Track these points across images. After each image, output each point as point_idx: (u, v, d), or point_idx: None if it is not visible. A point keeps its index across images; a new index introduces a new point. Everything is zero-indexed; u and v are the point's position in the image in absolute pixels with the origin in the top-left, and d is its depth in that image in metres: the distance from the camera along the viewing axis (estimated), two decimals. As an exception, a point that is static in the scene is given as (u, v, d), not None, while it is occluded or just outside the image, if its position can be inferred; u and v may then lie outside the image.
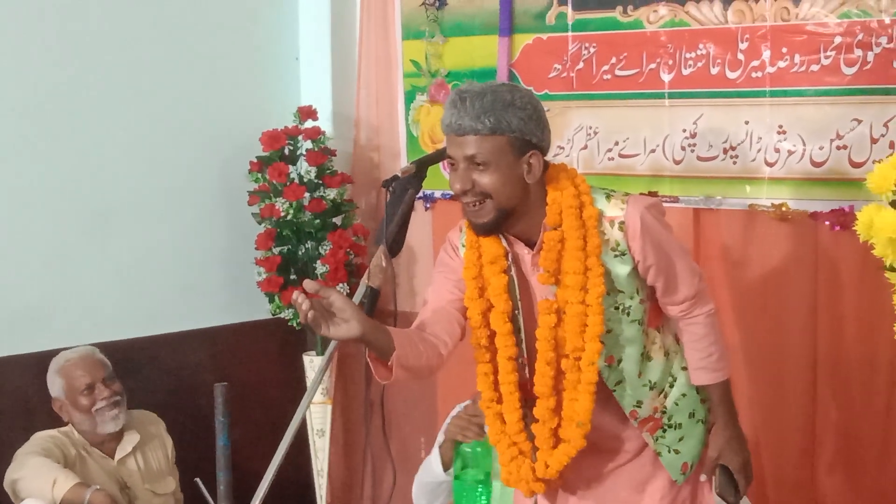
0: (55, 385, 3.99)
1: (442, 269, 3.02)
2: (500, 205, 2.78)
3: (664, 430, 3.01)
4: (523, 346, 2.94)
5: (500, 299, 2.89)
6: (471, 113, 2.73)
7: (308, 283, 2.62)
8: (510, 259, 2.90)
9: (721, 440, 3.02)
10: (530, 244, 2.89)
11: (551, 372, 2.89)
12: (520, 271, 2.92)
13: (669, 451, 3.01)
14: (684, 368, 3.04)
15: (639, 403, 2.98)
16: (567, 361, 2.88)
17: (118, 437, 4.02)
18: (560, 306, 2.87)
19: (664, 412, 3.00)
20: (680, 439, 3.02)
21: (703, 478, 3.06)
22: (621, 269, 2.88)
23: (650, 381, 2.99)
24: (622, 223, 2.85)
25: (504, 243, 2.90)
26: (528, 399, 2.96)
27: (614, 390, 2.96)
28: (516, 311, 2.93)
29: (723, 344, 3.04)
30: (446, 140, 2.82)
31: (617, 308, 2.90)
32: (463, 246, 2.97)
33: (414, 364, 2.80)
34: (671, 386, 3.02)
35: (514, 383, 2.94)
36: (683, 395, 3.03)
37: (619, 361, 2.94)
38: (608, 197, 2.89)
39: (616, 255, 2.87)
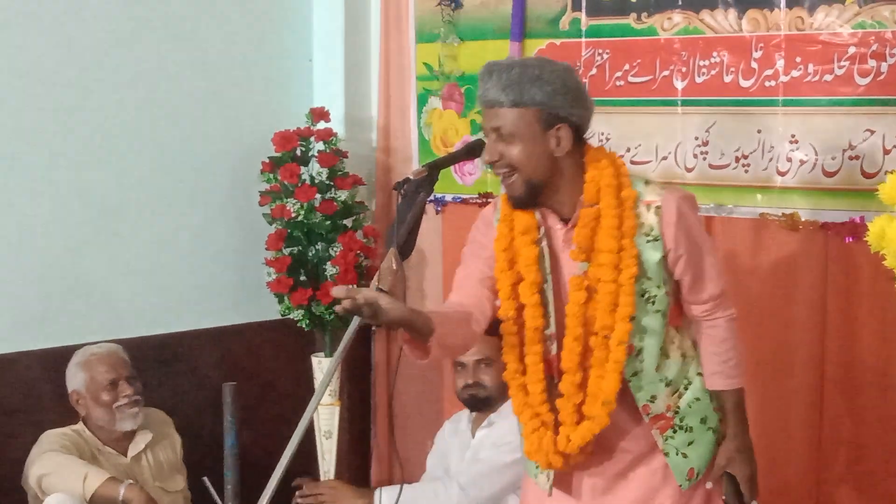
0: (76, 378, 4.00)
1: (472, 247, 3.06)
2: (528, 177, 2.83)
3: (674, 431, 3.00)
4: (551, 319, 2.95)
5: (530, 270, 2.91)
6: (497, 85, 2.79)
7: (337, 290, 2.63)
8: (542, 232, 2.93)
9: (731, 449, 3.02)
10: (564, 220, 2.92)
11: (579, 348, 2.90)
12: (550, 246, 2.95)
13: (677, 454, 3.00)
14: (699, 374, 3.04)
15: (653, 398, 2.98)
16: (596, 339, 2.89)
17: (130, 435, 4.03)
18: (591, 284, 2.88)
19: (676, 412, 3.00)
20: (689, 443, 3.01)
21: (709, 485, 3.05)
22: (652, 256, 2.89)
23: (666, 378, 2.98)
24: (658, 208, 2.88)
25: (538, 216, 2.93)
26: (552, 375, 2.97)
27: (630, 381, 2.96)
28: (545, 285, 2.94)
29: (741, 351, 3.04)
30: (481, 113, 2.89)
31: (643, 296, 2.91)
32: (497, 221, 2.99)
33: (451, 343, 2.85)
34: (686, 388, 3.02)
35: (539, 353, 2.94)
36: (697, 398, 3.02)
37: (639, 352, 2.94)
38: (646, 183, 2.93)
39: (649, 241, 2.88)
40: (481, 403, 3.92)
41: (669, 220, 2.88)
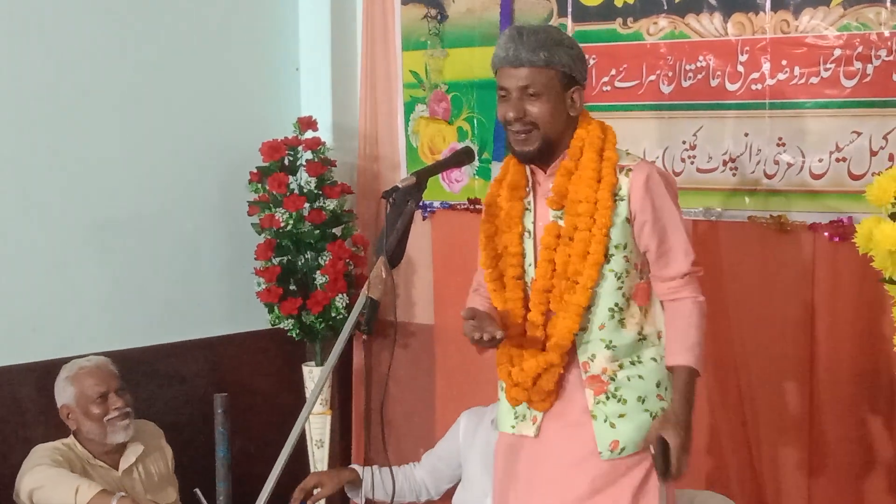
0: (66, 392, 3.98)
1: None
2: (546, 134, 3.04)
3: (607, 398, 3.07)
4: (531, 268, 3.12)
5: (513, 223, 3.12)
6: (528, 46, 2.99)
7: (466, 312, 3.00)
8: (530, 187, 3.14)
9: (669, 416, 3.03)
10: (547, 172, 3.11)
11: (543, 289, 3.08)
12: (535, 198, 3.14)
13: (605, 421, 3.06)
14: (654, 360, 3.10)
15: (592, 357, 3.08)
16: (567, 283, 3.05)
17: (121, 448, 4.02)
18: (565, 232, 3.05)
19: (612, 379, 3.07)
20: (620, 415, 3.06)
21: (651, 448, 3.02)
22: (616, 215, 3.04)
23: (609, 341, 3.07)
24: (630, 170, 3.05)
25: (528, 172, 3.14)
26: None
27: (577, 335, 3.07)
28: (525, 235, 3.13)
29: (702, 338, 3.07)
30: (498, 73, 3.06)
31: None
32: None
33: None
34: (632, 364, 3.09)
35: (519, 300, 3.13)
36: (640, 376, 3.09)
37: (588, 307, 3.06)
38: (627, 153, 3.14)
39: (616, 200, 3.04)
40: None
41: (638, 184, 3.04)
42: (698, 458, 4.05)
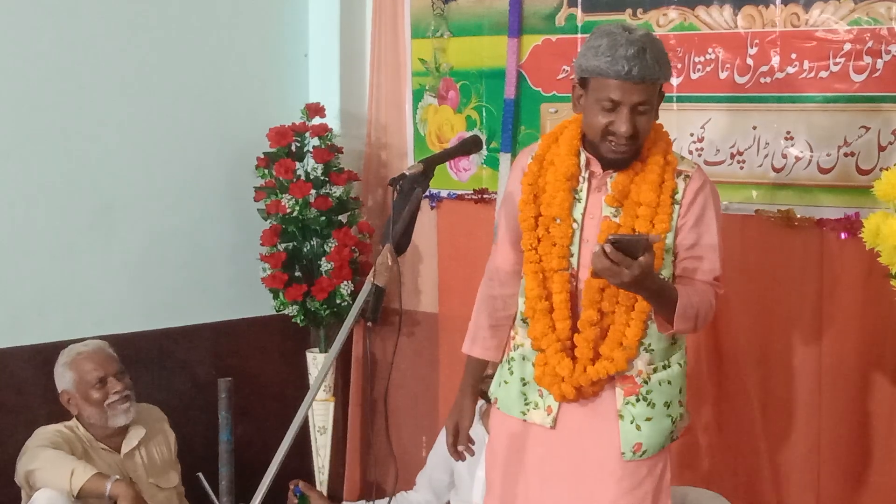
0: (65, 378, 3.98)
1: (506, 203, 3.19)
2: (641, 143, 2.99)
3: (637, 399, 3.04)
4: (573, 259, 3.04)
5: (565, 214, 3.03)
6: (650, 62, 2.87)
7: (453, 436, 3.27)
8: (584, 179, 3.04)
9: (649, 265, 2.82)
10: (605, 167, 3.03)
11: (598, 286, 2.98)
12: (589, 190, 3.06)
13: (632, 422, 3.04)
14: (680, 364, 3.09)
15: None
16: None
17: (123, 431, 4.02)
18: (622, 231, 2.98)
19: (646, 382, 3.04)
20: (647, 419, 3.04)
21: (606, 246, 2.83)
22: (671, 220, 3.00)
23: (648, 344, 3.02)
24: (688, 176, 3.03)
25: (582, 161, 3.04)
26: (576, 312, 3.06)
27: None
28: (575, 225, 3.04)
29: (694, 312, 2.93)
30: (608, 84, 2.89)
31: None
32: (531, 159, 3.14)
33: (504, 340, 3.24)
34: (664, 368, 3.06)
35: (567, 292, 3.03)
36: (669, 382, 3.07)
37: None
38: (682, 158, 3.09)
39: (672, 204, 3.00)
40: None
41: (693, 188, 3.01)
42: (700, 453, 4.05)
